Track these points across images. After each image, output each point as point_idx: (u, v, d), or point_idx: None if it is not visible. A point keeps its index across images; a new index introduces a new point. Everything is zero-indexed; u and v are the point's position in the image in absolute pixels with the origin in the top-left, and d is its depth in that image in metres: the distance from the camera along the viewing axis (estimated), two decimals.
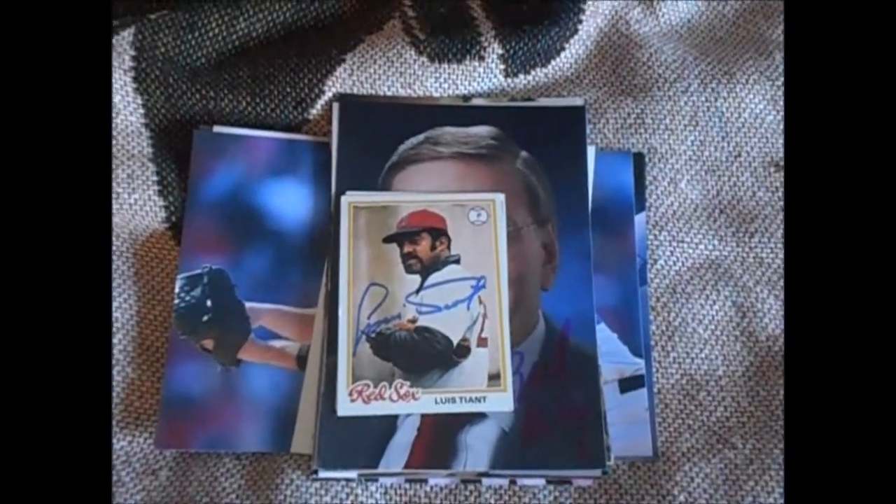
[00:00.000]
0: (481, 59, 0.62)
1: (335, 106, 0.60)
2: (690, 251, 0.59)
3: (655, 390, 0.56)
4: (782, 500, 0.51)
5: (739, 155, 0.61)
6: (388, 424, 0.53)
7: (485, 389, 0.54)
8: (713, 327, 0.57)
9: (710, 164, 0.61)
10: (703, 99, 0.62)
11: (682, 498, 0.52)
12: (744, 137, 0.62)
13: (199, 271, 0.57)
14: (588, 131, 0.61)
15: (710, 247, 0.60)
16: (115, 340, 0.56)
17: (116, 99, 0.60)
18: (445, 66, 0.62)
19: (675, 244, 0.60)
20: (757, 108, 0.62)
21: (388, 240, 0.57)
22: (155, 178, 0.60)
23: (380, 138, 0.59)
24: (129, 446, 0.54)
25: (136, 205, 0.59)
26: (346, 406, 0.53)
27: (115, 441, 0.54)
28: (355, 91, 0.61)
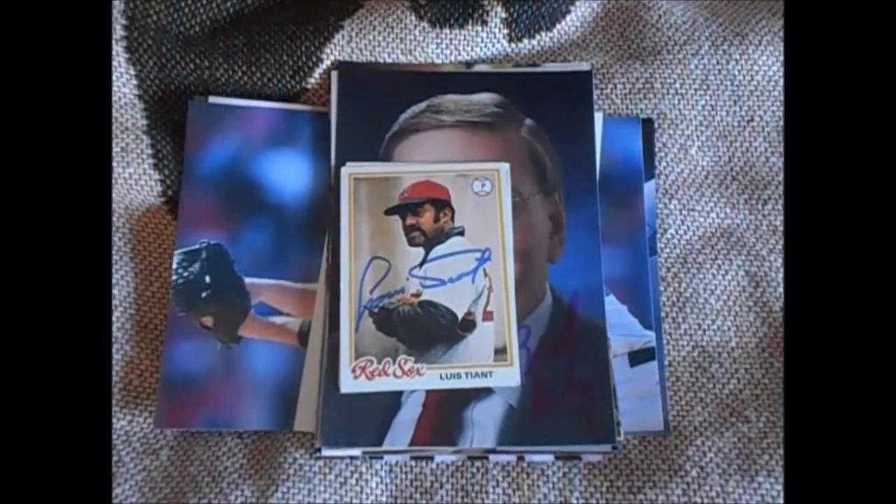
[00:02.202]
0: (484, 23, 0.60)
1: (334, 74, 0.58)
2: (702, 220, 0.58)
3: (666, 363, 0.54)
4: None
5: (752, 119, 0.59)
6: (393, 401, 0.52)
7: (491, 364, 0.52)
8: (725, 297, 0.56)
9: (721, 130, 0.59)
10: (714, 62, 0.60)
11: (694, 472, 0.51)
12: (756, 101, 0.60)
13: (196, 246, 0.56)
14: (595, 97, 0.59)
15: (722, 215, 0.58)
16: (113, 318, 0.55)
17: None
18: (447, 31, 0.59)
19: (685, 212, 0.58)
20: (770, 70, 0.60)
21: (390, 212, 0.55)
22: (150, 151, 0.58)
23: (380, 107, 0.58)
24: (129, 426, 0.53)
25: (132, 179, 0.58)
26: (350, 383, 0.52)
27: (115, 421, 0.53)
28: (354, 58, 0.59)
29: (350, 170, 0.56)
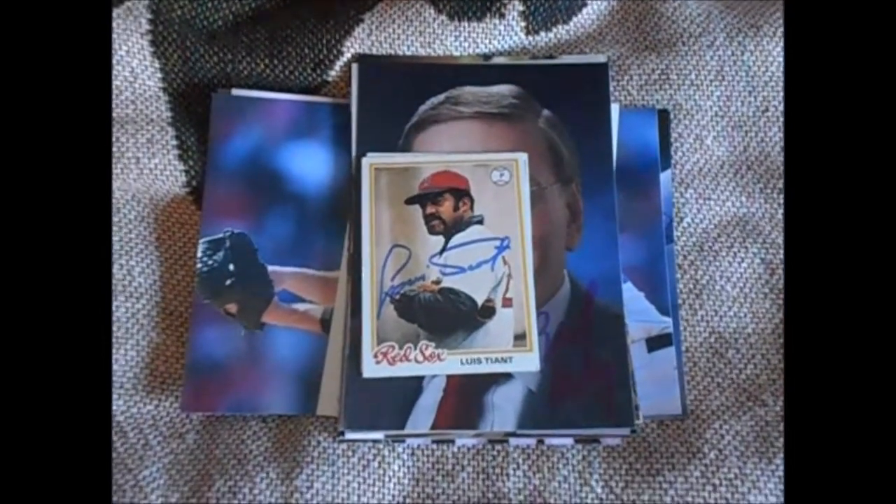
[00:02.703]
0: (501, 16, 0.61)
1: (354, 67, 0.59)
2: (717, 208, 0.58)
3: (683, 349, 0.55)
4: None
5: (767, 109, 0.60)
6: (414, 386, 0.52)
7: (511, 350, 0.53)
8: (741, 285, 0.57)
9: (736, 120, 0.60)
10: (729, 53, 0.61)
11: (712, 455, 0.52)
12: (771, 91, 0.60)
13: (220, 235, 0.57)
14: (611, 88, 0.60)
15: (738, 204, 0.59)
16: (138, 306, 0.56)
17: (134, 63, 0.59)
18: (465, 24, 0.60)
19: (701, 201, 0.59)
20: None
21: (410, 201, 0.56)
22: (174, 142, 0.59)
23: (400, 99, 0.59)
24: (155, 410, 0.54)
25: (157, 169, 0.59)
26: (372, 368, 0.53)
27: (141, 405, 0.54)
28: (374, 51, 0.60)
29: (371, 160, 0.57)
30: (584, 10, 0.63)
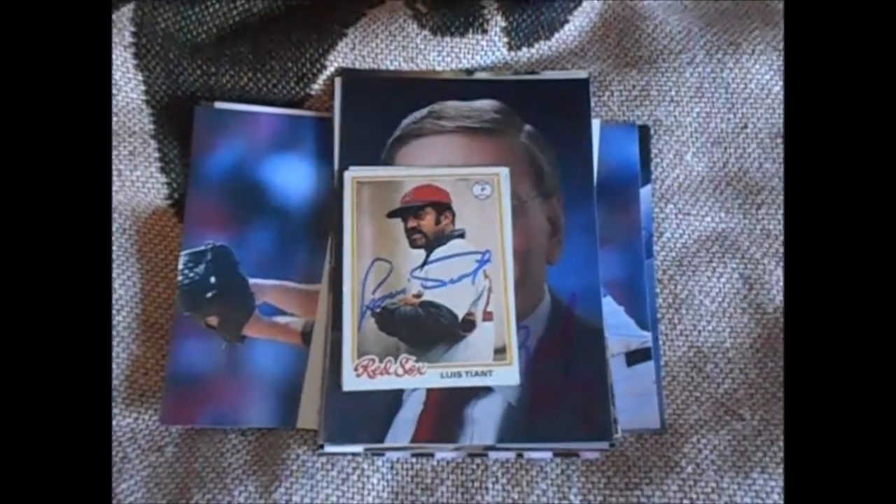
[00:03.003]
0: (484, 32, 0.61)
1: (337, 81, 0.60)
2: (697, 223, 0.59)
3: (662, 363, 0.56)
4: None
5: (746, 126, 0.61)
6: (394, 399, 0.53)
7: (490, 363, 0.53)
8: (720, 299, 0.57)
9: (716, 136, 0.61)
10: (708, 70, 0.61)
11: (689, 469, 0.52)
12: (750, 108, 0.61)
13: (202, 248, 0.57)
14: (593, 104, 0.60)
15: (717, 219, 0.59)
16: (119, 318, 0.56)
17: (117, 76, 0.60)
18: (448, 39, 0.61)
19: (681, 217, 0.59)
20: (763, 78, 0.61)
21: (392, 215, 0.56)
22: (157, 154, 0.59)
23: (383, 113, 0.59)
24: (134, 423, 0.54)
25: (139, 182, 0.59)
26: (352, 381, 0.53)
27: (120, 418, 0.54)
28: (357, 65, 0.61)
29: (353, 174, 0.57)
30: (566, 27, 0.63)
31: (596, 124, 0.60)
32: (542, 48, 0.63)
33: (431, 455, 0.53)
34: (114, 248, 0.58)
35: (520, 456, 0.53)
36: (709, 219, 0.59)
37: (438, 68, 0.61)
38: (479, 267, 0.55)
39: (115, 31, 0.59)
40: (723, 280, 0.57)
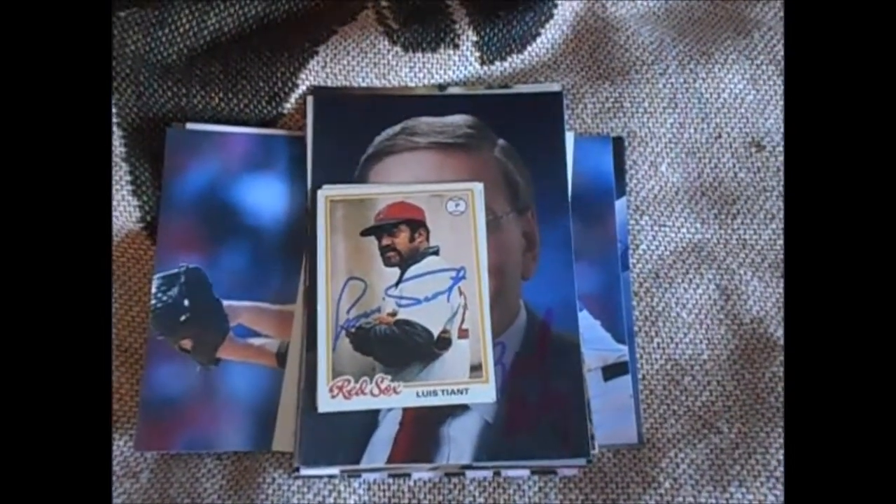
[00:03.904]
0: (456, 46, 0.61)
1: (309, 99, 0.59)
2: (672, 235, 0.59)
3: (640, 376, 0.55)
4: (769, 485, 0.51)
5: (720, 136, 0.61)
6: (370, 419, 0.52)
7: (467, 381, 0.53)
8: (697, 311, 0.57)
9: (690, 147, 0.61)
10: (681, 80, 0.61)
11: (667, 484, 0.52)
12: (724, 118, 0.61)
13: (175, 270, 0.56)
14: (566, 117, 0.60)
15: (693, 230, 0.59)
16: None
17: None
18: (420, 55, 0.61)
19: (656, 228, 0.59)
20: (736, 87, 0.61)
21: (365, 233, 0.56)
22: (128, 177, 0.59)
23: (355, 130, 0.59)
24: None
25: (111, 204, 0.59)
26: (327, 402, 0.52)
27: None
28: (329, 83, 0.60)
29: (326, 192, 0.57)
30: (538, 40, 0.63)
31: (570, 137, 0.59)
32: (515, 62, 0.63)
33: (408, 475, 0.53)
34: None
35: (497, 474, 0.53)
36: (684, 230, 0.59)
37: (411, 84, 0.61)
38: (454, 284, 0.55)
39: None
40: (699, 291, 0.57)
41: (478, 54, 0.62)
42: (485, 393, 0.53)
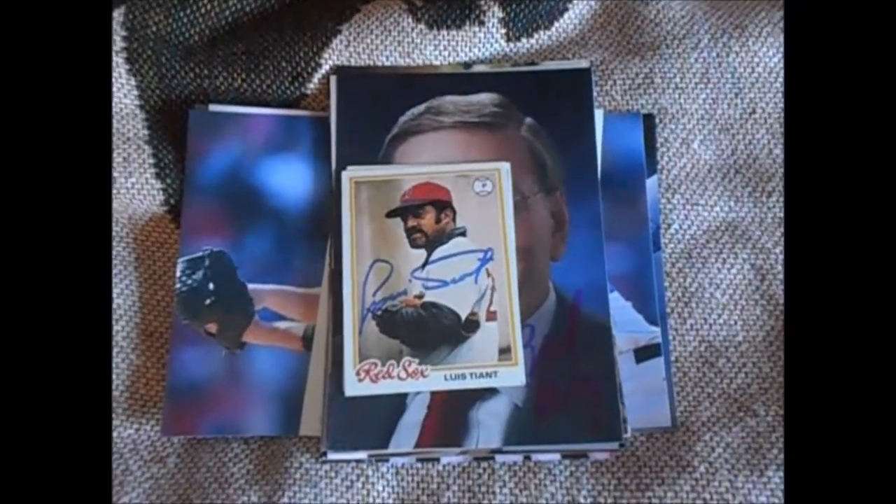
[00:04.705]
0: (481, 23, 0.60)
1: (333, 79, 0.58)
2: (706, 214, 0.57)
3: (672, 359, 0.54)
4: None
5: (754, 112, 0.59)
6: (398, 403, 0.51)
7: (495, 364, 0.52)
8: (731, 291, 0.55)
9: (723, 123, 0.59)
10: (714, 55, 0.60)
11: (702, 468, 0.50)
12: (758, 93, 0.59)
13: (200, 254, 0.56)
14: (595, 94, 0.59)
15: (727, 208, 0.57)
16: (118, 327, 0.55)
17: None
18: (444, 32, 0.59)
19: (689, 207, 0.57)
20: (771, 62, 0.59)
21: (391, 214, 0.55)
22: (152, 160, 0.59)
23: (380, 110, 0.58)
24: (136, 434, 0.54)
25: (134, 188, 0.58)
26: (354, 386, 0.52)
27: (122, 429, 0.54)
28: (353, 63, 0.59)
29: (351, 173, 0.56)
30: (566, 15, 0.62)
31: (599, 115, 0.58)
32: (542, 38, 0.61)
33: (437, 460, 0.52)
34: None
35: (527, 458, 0.52)
36: (718, 208, 0.57)
37: (435, 63, 0.60)
38: (482, 265, 0.54)
39: None
40: (733, 271, 0.56)
41: (504, 31, 0.60)
42: (514, 376, 0.52)
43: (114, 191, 0.58)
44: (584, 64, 0.59)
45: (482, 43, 0.60)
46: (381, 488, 0.51)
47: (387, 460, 0.52)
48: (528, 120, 0.57)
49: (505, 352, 0.52)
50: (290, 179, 0.57)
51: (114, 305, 0.56)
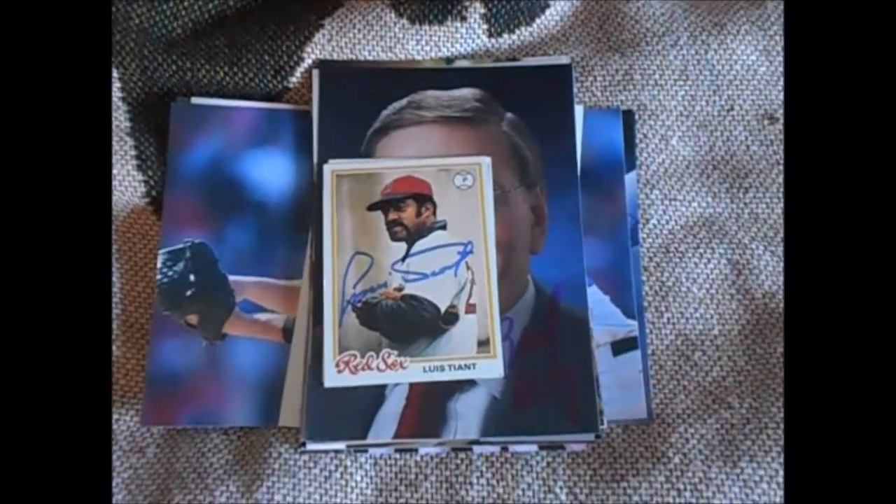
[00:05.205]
0: (463, 19, 0.60)
1: (315, 73, 0.59)
2: (683, 209, 0.58)
3: (649, 352, 0.55)
4: (780, 460, 0.50)
5: (732, 108, 0.60)
6: (377, 395, 0.52)
7: (474, 356, 0.52)
8: (708, 286, 0.56)
9: (701, 119, 0.60)
10: (693, 52, 0.60)
11: (676, 459, 0.51)
12: (736, 90, 0.60)
13: (181, 246, 0.56)
14: (575, 90, 0.59)
15: (704, 204, 0.58)
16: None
17: None
18: (426, 27, 0.60)
19: (667, 202, 0.58)
20: (749, 59, 0.60)
21: (372, 207, 0.55)
22: (133, 152, 0.59)
23: (362, 104, 0.58)
24: (115, 424, 0.54)
25: (115, 180, 0.58)
26: (333, 377, 0.52)
27: None
28: (335, 57, 0.60)
29: (332, 167, 0.56)
30: (547, 12, 0.62)
31: (579, 110, 0.58)
32: (523, 34, 0.62)
33: (415, 451, 0.52)
34: None
35: (504, 450, 0.52)
36: (695, 204, 0.58)
37: (417, 57, 0.60)
38: (462, 258, 0.54)
39: None
40: (710, 266, 0.56)
41: (485, 27, 0.61)
42: (492, 368, 0.52)
43: None
44: (564, 60, 0.60)
45: (464, 38, 0.61)
46: (359, 479, 0.52)
47: (365, 451, 0.52)
48: (509, 115, 0.58)
49: (484, 344, 0.53)
50: (271, 172, 0.58)
51: (111, 300, 0.56)
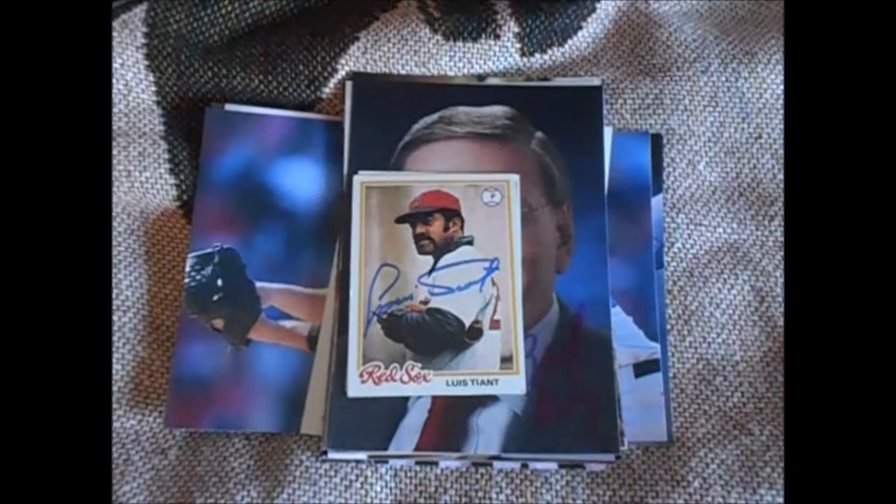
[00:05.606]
0: (497, 37, 0.61)
1: (348, 84, 0.59)
2: (708, 234, 0.58)
3: (671, 375, 0.55)
4: None
5: (760, 136, 0.60)
6: (399, 406, 0.52)
7: (497, 372, 0.53)
8: (731, 312, 0.56)
9: (729, 146, 0.60)
10: (723, 79, 0.61)
11: (696, 483, 0.51)
12: (765, 118, 0.60)
13: (209, 250, 0.56)
14: (605, 112, 0.60)
15: (729, 230, 0.58)
16: (125, 319, 0.56)
17: (129, 76, 0.60)
18: (460, 44, 0.61)
19: (692, 227, 0.58)
20: (779, 88, 0.60)
21: (400, 220, 0.56)
22: (166, 156, 0.59)
23: (393, 117, 0.59)
24: (138, 425, 0.54)
25: (147, 183, 0.59)
26: (357, 387, 0.52)
27: (124, 420, 0.54)
28: (369, 69, 0.60)
29: (362, 178, 0.57)
30: (580, 33, 0.63)
31: (608, 132, 0.59)
32: (555, 54, 0.63)
33: (436, 463, 0.53)
34: (121, 249, 0.58)
35: (524, 466, 0.52)
36: (720, 229, 0.58)
37: (450, 73, 0.61)
38: (488, 274, 0.55)
39: (126, 31, 0.59)
40: (734, 292, 0.57)
41: (518, 45, 0.61)
42: (515, 384, 0.52)
43: (127, 184, 0.58)
44: (595, 82, 0.60)
45: (497, 56, 0.61)
46: (379, 489, 0.52)
47: (386, 462, 0.53)
48: (539, 134, 0.58)
49: (507, 360, 0.53)
50: (301, 181, 0.58)
51: (122, 297, 0.56)
